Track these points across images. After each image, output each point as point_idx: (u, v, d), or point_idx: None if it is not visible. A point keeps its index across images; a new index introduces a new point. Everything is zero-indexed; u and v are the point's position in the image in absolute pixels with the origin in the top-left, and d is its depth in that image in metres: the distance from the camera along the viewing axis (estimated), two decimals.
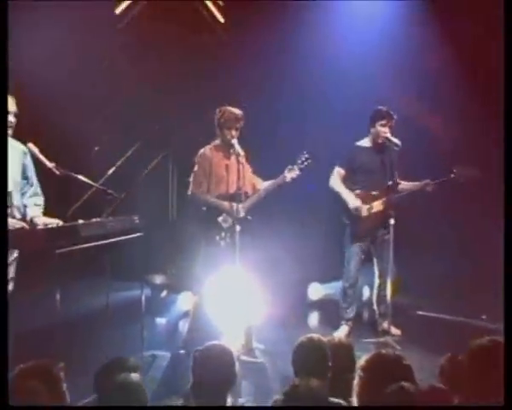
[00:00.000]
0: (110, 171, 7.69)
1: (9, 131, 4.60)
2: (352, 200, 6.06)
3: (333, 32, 7.75)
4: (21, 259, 4.68)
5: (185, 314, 6.48)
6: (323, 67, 7.54)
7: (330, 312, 6.69)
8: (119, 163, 7.89)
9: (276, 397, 3.50)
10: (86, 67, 7.46)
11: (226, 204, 5.66)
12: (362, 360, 3.26)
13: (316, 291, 7.41)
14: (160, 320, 6.61)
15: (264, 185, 5.87)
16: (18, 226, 4.48)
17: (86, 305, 6.00)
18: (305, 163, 5.65)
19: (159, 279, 7.05)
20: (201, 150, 5.89)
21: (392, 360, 3.21)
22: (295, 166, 5.64)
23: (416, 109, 7.57)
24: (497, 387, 3.00)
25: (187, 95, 7.89)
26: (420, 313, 6.85)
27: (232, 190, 5.61)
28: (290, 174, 5.64)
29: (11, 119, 4.59)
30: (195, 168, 5.83)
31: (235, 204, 5.58)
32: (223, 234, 5.72)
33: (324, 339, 3.76)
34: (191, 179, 5.85)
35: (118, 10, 7.93)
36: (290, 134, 7.45)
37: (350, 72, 7.38)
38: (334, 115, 7.23)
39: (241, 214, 5.59)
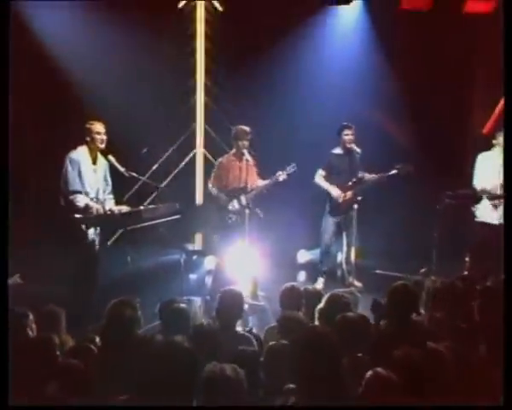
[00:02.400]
0: (154, 167, 7.97)
1: (100, 147, 5.35)
2: (334, 191, 6.68)
3: (316, 63, 7.89)
4: (104, 233, 5.46)
5: (209, 272, 6.93)
6: (312, 95, 7.75)
7: (313, 271, 7.16)
8: (160, 161, 8.12)
9: (268, 325, 4.37)
10: (135, 89, 7.63)
11: (233, 197, 6.22)
12: (322, 300, 4.03)
13: (303, 256, 7.83)
14: (193, 276, 6.99)
15: (262, 183, 6.40)
16: (102, 212, 5.27)
17: (146, 264, 6.32)
18: (292, 170, 6.23)
19: (191, 247, 7.46)
20: (219, 159, 6.45)
21: (338, 296, 4.04)
22: (284, 172, 6.20)
23: (378, 120, 7.97)
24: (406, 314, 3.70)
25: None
26: (376, 271, 7.15)
27: (242, 185, 6.27)
28: (281, 177, 6.21)
29: (103, 138, 5.33)
30: (214, 170, 6.40)
31: (241, 196, 6.22)
32: (230, 215, 6.28)
33: (299, 286, 4.50)
34: (211, 178, 6.39)
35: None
36: (286, 143, 7.73)
37: (331, 97, 7.63)
38: (319, 129, 7.39)
39: (244, 202, 6.18)
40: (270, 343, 3.53)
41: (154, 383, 2.86)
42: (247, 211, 6.09)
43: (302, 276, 7.45)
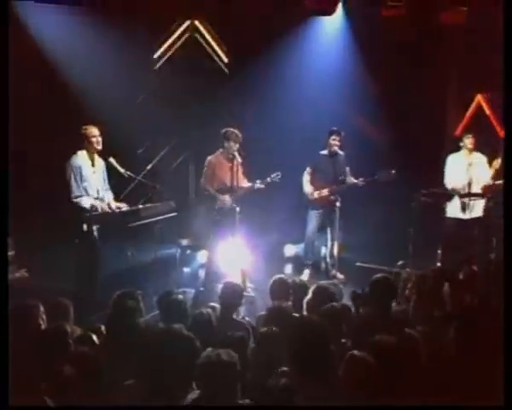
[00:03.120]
0: (148, 166, 8.10)
1: (97, 149, 5.51)
2: (307, 188, 6.84)
3: (302, 69, 8.11)
4: (105, 230, 5.55)
5: (202, 265, 7.03)
6: (300, 98, 7.92)
7: (299, 264, 7.31)
8: (154, 161, 8.25)
9: (259, 313, 4.53)
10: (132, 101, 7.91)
11: (220, 195, 6.30)
12: (310, 290, 4.20)
13: (289, 250, 7.92)
14: (187, 269, 7.13)
15: (245, 185, 6.45)
16: (104, 211, 5.42)
17: (143, 259, 6.37)
18: (276, 178, 6.34)
19: (184, 242, 7.41)
20: (209, 158, 6.47)
21: (324, 288, 4.19)
22: (263, 182, 6.32)
23: (359, 122, 8.20)
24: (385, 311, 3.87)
25: (199, 116, 8.27)
26: (357, 264, 7.25)
27: (229, 184, 6.31)
28: (257, 186, 6.35)
29: (98, 140, 5.49)
30: (205, 169, 6.45)
31: (226, 196, 6.28)
32: (215, 213, 6.35)
33: (287, 278, 4.65)
34: (202, 176, 6.49)
35: (155, 55, 8.18)
36: (277, 145, 7.89)
37: (317, 101, 7.89)
38: (308, 132, 7.56)
39: (229, 203, 6.28)
40: (262, 330, 3.68)
41: (157, 368, 3.01)
42: (237, 209, 6.23)
43: (289, 268, 7.58)
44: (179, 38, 8.23)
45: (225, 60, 8.39)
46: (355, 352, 2.93)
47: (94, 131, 5.54)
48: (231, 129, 6.42)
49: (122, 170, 5.64)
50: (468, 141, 6.90)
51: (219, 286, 4.36)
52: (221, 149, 6.45)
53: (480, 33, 7.48)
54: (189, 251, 7.49)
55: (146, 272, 5.87)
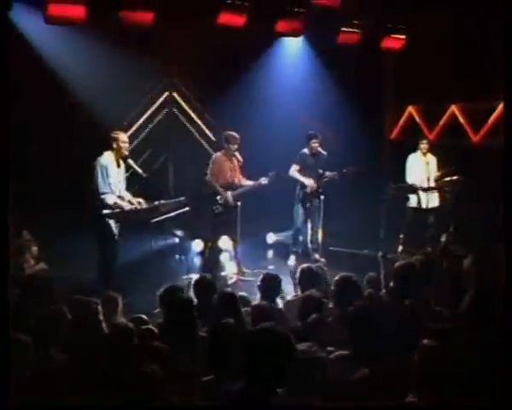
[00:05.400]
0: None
1: (124, 153, 5.31)
2: (307, 181, 6.78)
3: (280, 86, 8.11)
4: (125, 224, 5.37)
5: (199, 254, 6.96)
6: (281, 110, 7.99)
7: (279, 250, 7.40)
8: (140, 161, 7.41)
9: (288, 299, 4.38)
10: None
11: (223, 191, 6.26)
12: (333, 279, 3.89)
13: (270, 238, 7.85)
14: (184, 258, 6.54)
15: (246, 183, 6.44)
16: (128, 208, 5.21)
17: (161, 247, 6.08)
18: (273, 176, 6.34)
19: (179, 233, 6.93)
20: (214, 155, 6.47)
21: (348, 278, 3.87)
22: (267, 178, 6.32)
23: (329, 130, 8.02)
24: None
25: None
26: (330, 248, 7.10)
27: (230, 181, 6.35)
28: (263, 182, 6.33)
29: (127, 146, 5.30)
30: (210, 166, 6.35)
31: (228, 192, 6.27)
32: (217, 206, 6.32)
33: (314, 267, 4.46)
34: (208, 171, 6.33)
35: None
36: (266, 145, 7.67)
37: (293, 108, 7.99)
38: (292, 134, 7.39)
39: (231, 199, 6.26)
40: (312, 317, 3.55)
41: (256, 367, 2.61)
42: (239, 203, 6.24)
43: (270, 254, 7.57)
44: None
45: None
46: (425, 341, 2.80)
47: (125, 137, 5.39)
48: (230, 132, 6.36)
49: (140, 171, 5.45)
50: (423, 146, 7.34)
51: (219, 273, 4.24)
52: (223, 151, 6.41)
53: (414, 56, 7.90)
54: (186, 242, 7.14)
55: (161, 258, 5.72)
